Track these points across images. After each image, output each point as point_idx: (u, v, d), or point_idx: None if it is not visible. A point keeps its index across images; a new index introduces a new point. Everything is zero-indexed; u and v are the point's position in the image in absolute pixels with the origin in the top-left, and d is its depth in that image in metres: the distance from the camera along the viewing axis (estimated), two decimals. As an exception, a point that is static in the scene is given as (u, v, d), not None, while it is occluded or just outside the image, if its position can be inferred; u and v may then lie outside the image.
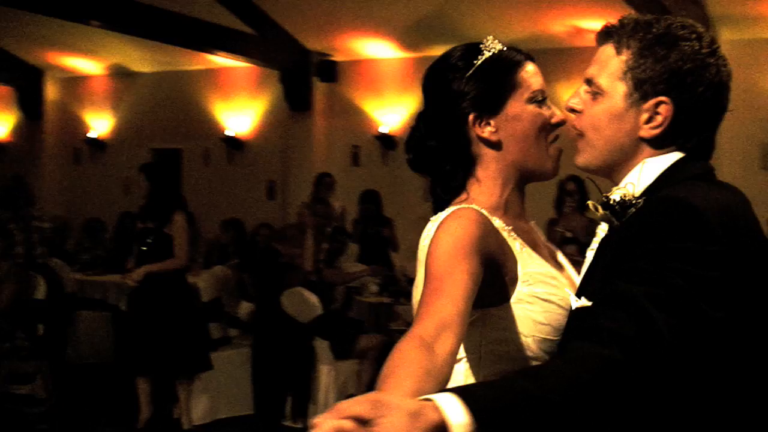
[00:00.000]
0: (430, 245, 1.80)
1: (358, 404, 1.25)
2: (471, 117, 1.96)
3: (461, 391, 1.33)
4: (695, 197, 1.59)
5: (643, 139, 1.73)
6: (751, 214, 1.68)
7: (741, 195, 1.71)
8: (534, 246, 1.97)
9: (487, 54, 1.98)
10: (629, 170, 1.76)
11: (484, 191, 1.98)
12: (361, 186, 9.91)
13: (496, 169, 1.98)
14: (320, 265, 7.69)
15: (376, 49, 11.06)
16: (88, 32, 10.90)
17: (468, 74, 1.97)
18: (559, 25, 9.67)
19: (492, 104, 1.96)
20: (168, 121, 12.91)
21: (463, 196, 1.97)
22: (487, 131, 1.96)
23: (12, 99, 14.09)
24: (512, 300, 1.86)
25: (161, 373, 6.50)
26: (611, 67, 1.75)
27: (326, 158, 11.32)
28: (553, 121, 1.98)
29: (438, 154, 2.00)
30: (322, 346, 6.87)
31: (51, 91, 13.99)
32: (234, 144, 12.36)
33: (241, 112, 12.36)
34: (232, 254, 9.13)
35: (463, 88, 1.96)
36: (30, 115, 13.95)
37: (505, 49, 2.01)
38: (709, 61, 1.70)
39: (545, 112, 1.98)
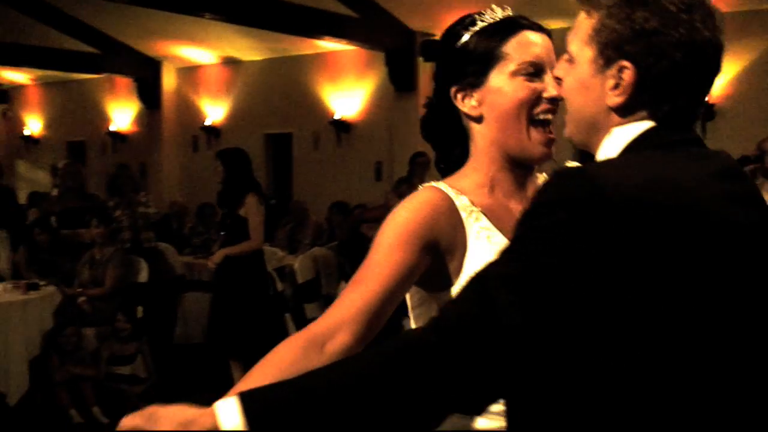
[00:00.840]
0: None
1: (137, 417, 1.30)
2: (453, 90, 1.87)
3: (246, 393, 1.30)
4: (603, 168, 1.42)
5: (611, 108, 1.52)
6: (713, 188, 1.43)
7: (711, 166, 1.46)
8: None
9: (480, 24, 1.86)
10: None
11: (475, 167, 1.89)
12: (465, 164, 9.81)
13: (482, 145, 1.88)
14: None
15: (480, 27, 10.93)
16: (201, 24, 11.23)
17: (458, 45, 1.86)
18: None
19: (474, 77, 1.84)
20: (279, 107, 13.15)
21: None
22: (468, 105, 1.86)
23: (133, 90, 14.57)
24: (458, 285, 1.78)
25: (241, 355, 6.60)
26: (581, 31, 1.55)
27: (431, 138, 11.28)
28: (544, 94, 1.82)
29: (432, 125, 1.96)
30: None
31: (168, 81, 14.42)
32: (342, 126, 12.46)
33: (348, 95, 12.46)
34: (338, 236, 9.24)
35: (452, 59, 1.87)
36: (149, 105, 14.42)
37: (503, 18, 1.87)
38: (682, 17, 1.46)
39: (535, 85, 1.82)
